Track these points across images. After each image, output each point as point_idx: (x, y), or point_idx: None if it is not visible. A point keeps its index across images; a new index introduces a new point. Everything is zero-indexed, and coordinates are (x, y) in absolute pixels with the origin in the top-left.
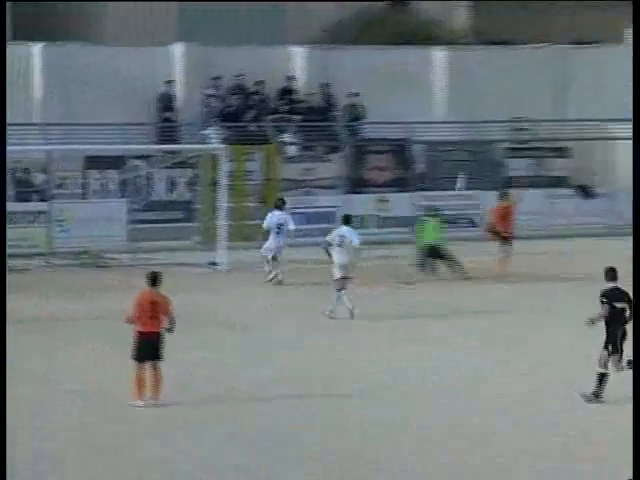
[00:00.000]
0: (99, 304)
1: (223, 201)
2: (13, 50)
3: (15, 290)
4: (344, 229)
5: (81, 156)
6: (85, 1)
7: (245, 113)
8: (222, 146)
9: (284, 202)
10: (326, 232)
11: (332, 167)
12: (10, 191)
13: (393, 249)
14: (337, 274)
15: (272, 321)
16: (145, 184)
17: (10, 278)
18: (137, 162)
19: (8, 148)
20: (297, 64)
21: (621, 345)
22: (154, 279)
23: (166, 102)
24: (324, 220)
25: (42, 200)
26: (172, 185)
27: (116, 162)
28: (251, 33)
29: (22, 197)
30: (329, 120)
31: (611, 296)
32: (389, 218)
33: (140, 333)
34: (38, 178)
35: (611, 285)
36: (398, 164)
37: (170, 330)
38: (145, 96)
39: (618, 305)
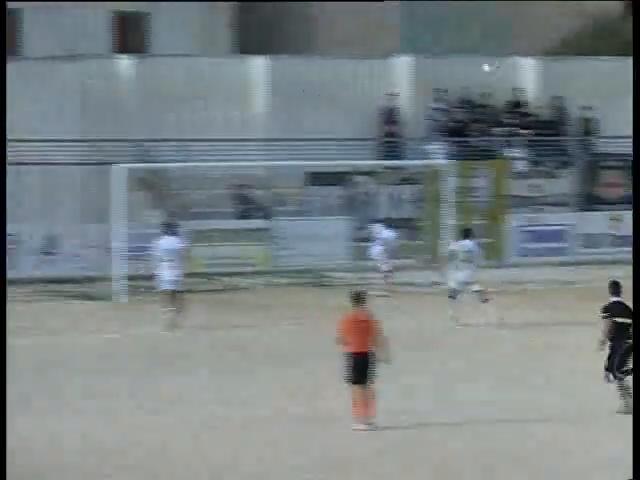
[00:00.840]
0: (322, 324)
1: (448, 218)
2: (236, 64)
3: (235, 309)
4: (469, 243)
5: (302, 172)
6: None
7: (471, 127)
8: (447, 161)
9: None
10: (557, 251)
11: (562, 183)
12: (231, 208)
13: (629, 269)
14: (452, 285)
15: (492, 345)
16: (368, 201)
17: (230, 297)
18: (360, 178)
19: (231, 164)
20: (526, 76)
21: (625, 360)
22: (358, 298)
23: (390, 116)
24: (554, 239)
25: (263, 217)
26: (396, 202)
27: (338, 178)
28: (478, 44)
29: (243, 214)
30: (560, 134)
31: (613, 310)
32: (624, 237)
33: (349, 354)
34: (259, 195)
35: (613, 299)
36: None
37: (386, 359)
38: (368, 110)
39: (620, 320)
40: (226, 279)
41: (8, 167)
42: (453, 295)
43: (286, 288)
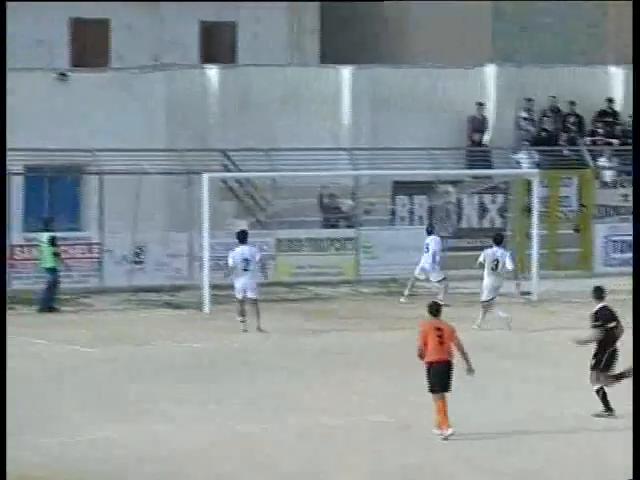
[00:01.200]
0: (407, 334)
1: (536, 228)
2: (321, 74)
3: (321, 318)
4: (499, 251)
5: (389, 181)
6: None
7: (560, 136)
8: (535, 171)
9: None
10: None
11: None
12: (318, 217)
13: None
14: (484, 297)
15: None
16: (454, 210)
17: (316, 306)
18: (446, 187)
19: (317, 174)
20: (616, 85)
21: (612, 363)
22: (435, 310)
23: (477, 125)
24: None
25: (349, 226)
26: (483, 211)
27: (425, 187)
28: (568, 53)
29: (329, 223)
30: None
31: (603, 317)
32: None
33: (430, 363)
34: (345, 204)
35: (600, 305)
36: None
37: (469, 368)
38: (455, 119)
39: (610, 325)
40: (312, 288)
41: (96, 176)
42: (486, 307)
43: (372, 297)
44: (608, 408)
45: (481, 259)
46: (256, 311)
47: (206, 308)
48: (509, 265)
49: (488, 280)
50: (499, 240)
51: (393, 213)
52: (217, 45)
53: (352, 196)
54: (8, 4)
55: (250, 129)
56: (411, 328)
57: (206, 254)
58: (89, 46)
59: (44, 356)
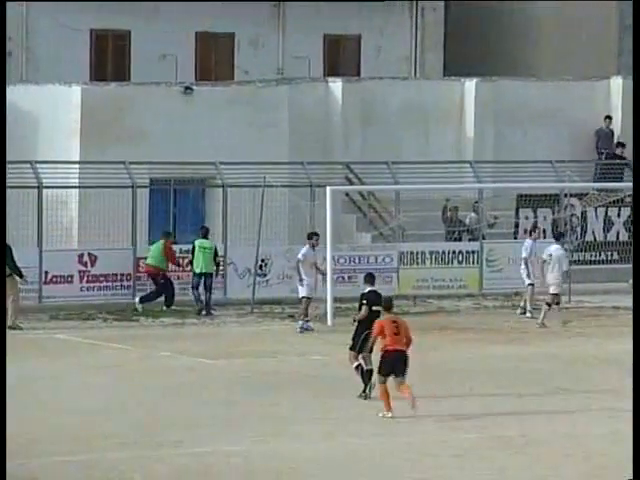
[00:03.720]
0: (530, 347)
1: None
2: (445, 86)
3: (442, 331)
4: (552, 248)
5: (513, 194)
6: None
7: None
8: None
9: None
10: None
11: None
12: (441, 230)
13: None
14: (553, 290)
15: None
16: (579, 223)
17: (439, 319)
18: (571, 201)
19: (440, 186)
20: None
21: (367, 344)
22: (389, 305)
23: (603, 138)
24: None
25: (473, 240)
26: (608, 225)
27: (549, 201)
28: None
29: (453, 236)
30: None
31: (369, 299)
32: None
33: (386, 351)
34: (469, 217)
35: (369, 288)
36: None
37: None
38: (580, 131)
39: (374, 308)
40: (435, 301)
41: (220, 189)
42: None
43: (494, 311)
44: (366, 386)
45: (545, 256)
46: (303, 309)
47: (329, 321)
48: (564, 266)
49: (551, 276)
50: (558, 237)
51: (517, 226)
52: (341, 58)
53: (475, 209)
54: (132, 19)
55: (373, 142)
56: (534, 341)
57: (329, 267)
58: (214, 60)
59: (167, 368)
